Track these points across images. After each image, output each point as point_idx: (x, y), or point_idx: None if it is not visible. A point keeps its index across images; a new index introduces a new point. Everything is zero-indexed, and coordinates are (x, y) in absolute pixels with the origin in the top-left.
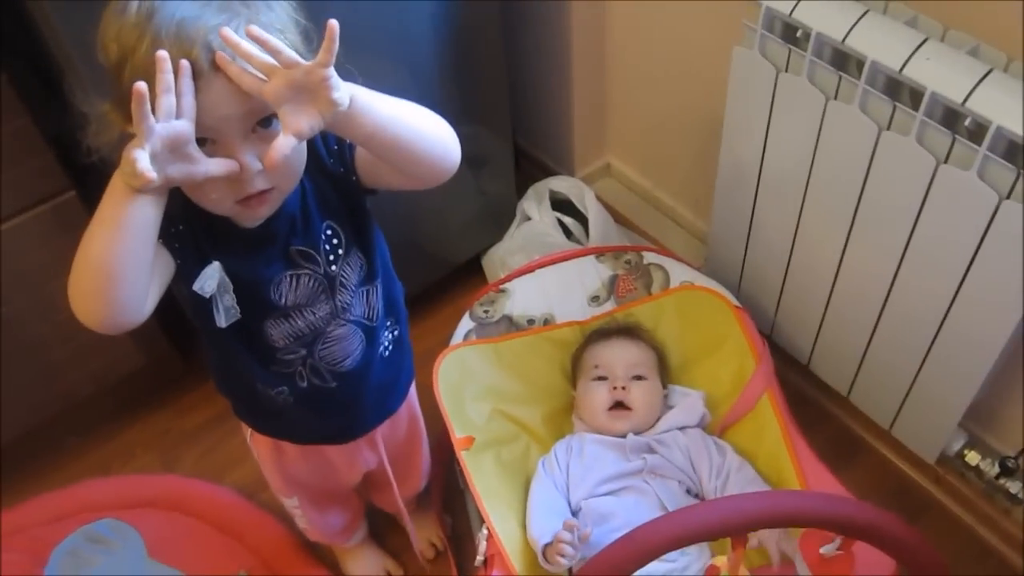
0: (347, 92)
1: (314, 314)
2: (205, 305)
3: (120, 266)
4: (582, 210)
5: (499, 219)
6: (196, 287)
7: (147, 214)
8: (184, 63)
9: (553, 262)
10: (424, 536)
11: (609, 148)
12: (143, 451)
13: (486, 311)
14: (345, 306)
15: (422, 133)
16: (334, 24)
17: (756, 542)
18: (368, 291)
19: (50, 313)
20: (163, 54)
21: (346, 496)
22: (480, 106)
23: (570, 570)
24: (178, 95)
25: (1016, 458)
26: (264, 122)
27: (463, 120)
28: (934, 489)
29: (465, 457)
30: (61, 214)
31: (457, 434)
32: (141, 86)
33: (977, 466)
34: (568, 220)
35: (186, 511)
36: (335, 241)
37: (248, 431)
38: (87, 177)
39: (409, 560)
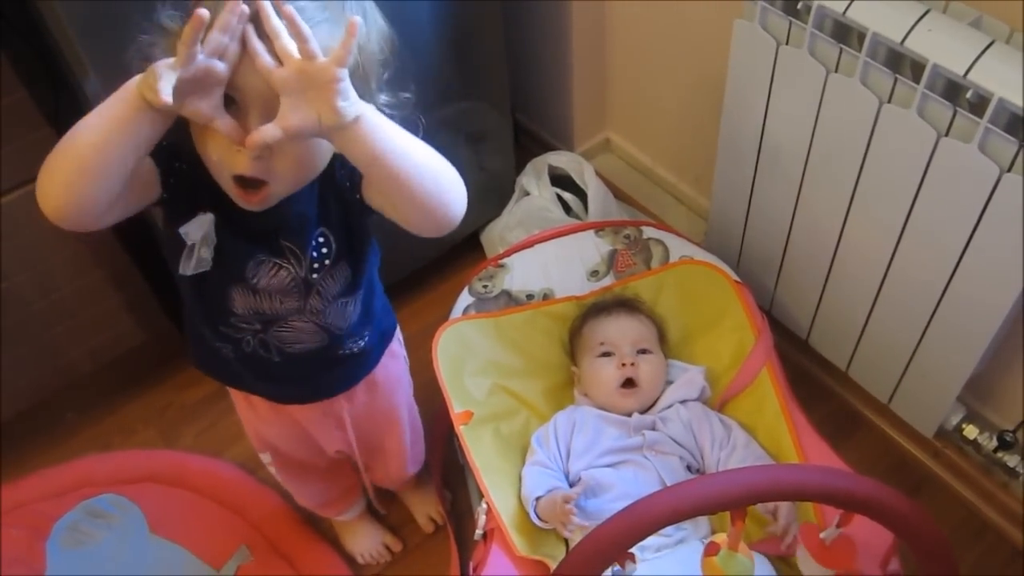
0: (356, 107)
1: (281, 303)
2: (179, 247)
3: (98, 162)
4: (581, 185)
5: (498, 195)
6: (181, 230)
7: (145, 128)
8: (243, 8)
9: (552, 237)
10: (424, 511)
11: (609, 123)
12: (143, 426)
13: (485, 286)
14: (315, 310)
15: (428, 176)
16: (356, 21)
17: (773, 507)
18: (346, 303)
19: (50, 289)
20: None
21: (327, 468)
22: (479, 81)
23: (567, 543)
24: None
25: (1014, 432)
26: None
27: (462, 95)
28: (932, 463)
29: (464, 432)
30: None
31: (456, 409)
32: (204, 13)
33: (975, 440)
34: (567, 195)
35: (186, 486)
36: (324, 250)
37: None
38: None
39: (408, 535)
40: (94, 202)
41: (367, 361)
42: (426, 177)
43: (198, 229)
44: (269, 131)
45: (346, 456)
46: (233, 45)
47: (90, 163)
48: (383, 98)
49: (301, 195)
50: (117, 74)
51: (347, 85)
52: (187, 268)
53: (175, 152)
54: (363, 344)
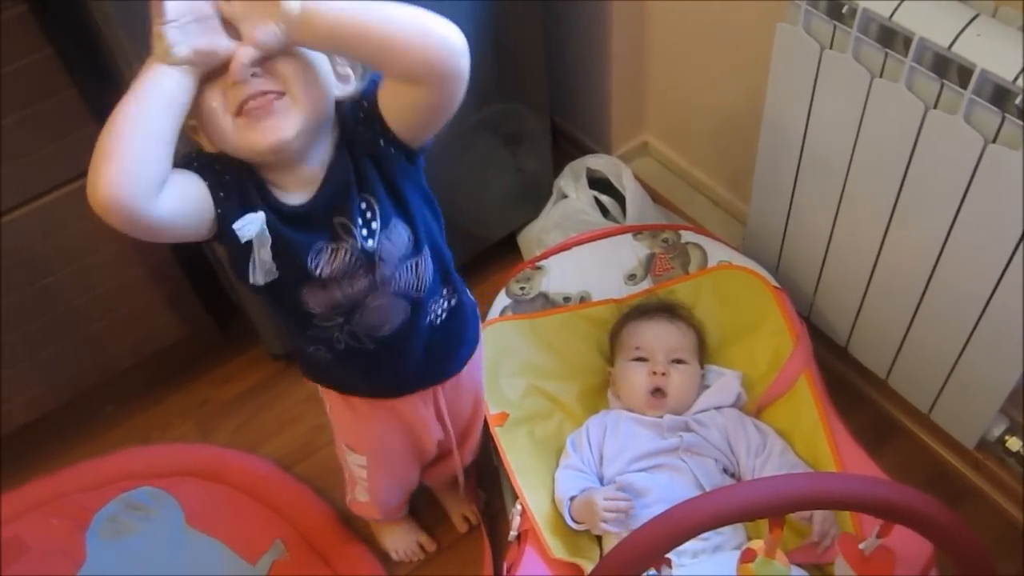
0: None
1: (352, 287)
2: (243, 258)
3: (133, 126)
4: (619, 188)
5: (535, 197)
6: (236, 227)
7: (170, 86)
8: None
9: (590, 240)
10: (459, 511)
11: (647, 126)
12: (181, 421)
13: (522, 288)
14: (386, 279)
15: (390, 17)
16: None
17: (809, 514)
18: (416, 263)
19: (92, 285)
20: None
21: (415, 470)
22: (518, 83)
23: (601, 547)
24: None
25: None
26: None
27: (501, 97)
28: (973, 475)
29: (499, 433)
30: None
31: (491, 410)
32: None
33: (1018, 452)
34: (605, 198)
35: (223, 481)
36: (368, 215)
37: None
38: None
39: (442, 534)
40: (134, 168)
41: (459, 332)
42: (391, 15)
43: (251, 224)
44: (245, 51)
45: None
46: None
47: (126, 130)
48: None
49: (339, 162)
50: None
51: None
52: (256, 277)
53: (215, 166)
54: (453, 303)
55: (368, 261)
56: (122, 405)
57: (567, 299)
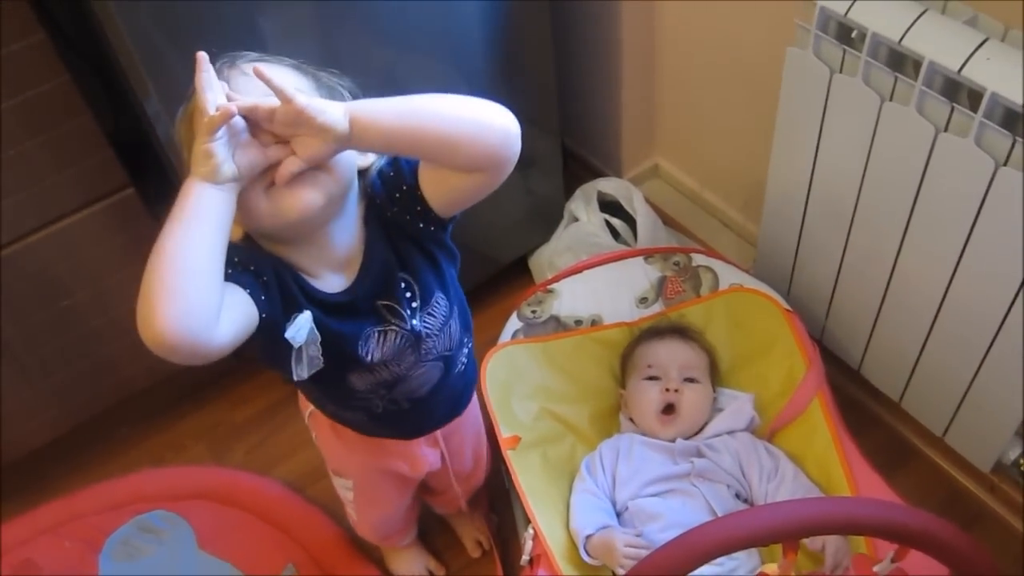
0: (341, 113)
1: (399, 366)
2: (284, 354)
3: (190, 257)
4: (630, 211)
5: (547, 220)
6: (288, 335)
7: (218, 206)
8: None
9: (601, 263)
10: (471, 535)
11: (658, 149)
12: (194, 443)
13: (533, 311)
14: (428, 351)
15: (447, 118)
16: (257, 68)
17: (820, 544)
18: (449, 325)
19: (108, 307)
20: (201, 54)
21: (402, 498)
22: (528, 106)
23: (613, 573)
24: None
25: None
26: None
27: None
28: (988, 498)
29: (511, 456)
30: (120, 211)
31: (504, 433)
32: (206, 102)
33: None
34: (616, 221)
35: (235, 503)
36: (408, 295)
37: (308, 411)
38: (145, 174)
39: (452, 559)
40: (203, 304)
41: (471, 374)
42: (445, 113)
43: (303, 329)
44: (293, 162)
45: (426, 481)
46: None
47: (179, 260)
48: None
49: (375, 245)
50: (177, 94)
51: (315, 108)
52: (302, 372)
53: (253, 267)
54: (469, 347)
55: (415, 340)
56: (136, 427)
57: (579, 322)
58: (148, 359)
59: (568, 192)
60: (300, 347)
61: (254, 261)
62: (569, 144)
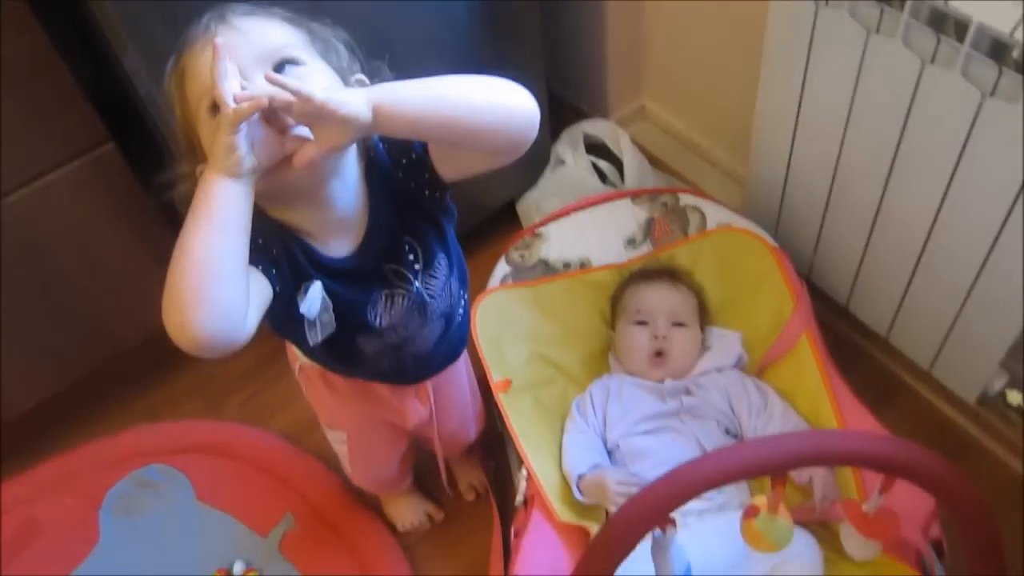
0: (363, 103)
1: (406, 329)
2: (296, 324)
3: (218, 258)
4: (617, 153)
5: (533, 164)
6: (303, 310)
7: (240, 201)
8: (215, 42)
9: (588, 206)
10: (466, 480)
11: (644, 90)
12: (189, 398)
13: (522, 255)
14: (432, 311)
15: (473, 106)
16: (270, 76)
17: (807, 478)
18: (450, 283)
19: (95, 266)
20: (218, 42)
21: (395, 449)
22: (512, 49)
23: (606, 511)
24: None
25: None
26: (279, 68)
27: (494, 65)
28: (974, 429)
29: (503, 400)
30: (100, 167)
31: (495, 377)
32: (224, 94)
33: (1018, 406)
34: (603, 164)
35: (232, 456)
36: (412, 257)
37: (297, 364)
38: (125, 130)
39: (449, 502)
40: (235, 303)
41: (467, 323)
42: (471, 102)
43: (315, 301)
44: (312, 149)
45: (416, 432)
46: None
47: (215, 266)
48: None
49: (380, 210)
50: (155, 50)
51: (336, 100)
52: (316, 338)
53: (263, 242)
54: (464, 303)
55: (420, 302)
56: (130, 384)
57: (567, 265)
58: (138, 316)
59: (554, 136)
60: (314, 318)
61: (263, 234)
62: (554, 87)
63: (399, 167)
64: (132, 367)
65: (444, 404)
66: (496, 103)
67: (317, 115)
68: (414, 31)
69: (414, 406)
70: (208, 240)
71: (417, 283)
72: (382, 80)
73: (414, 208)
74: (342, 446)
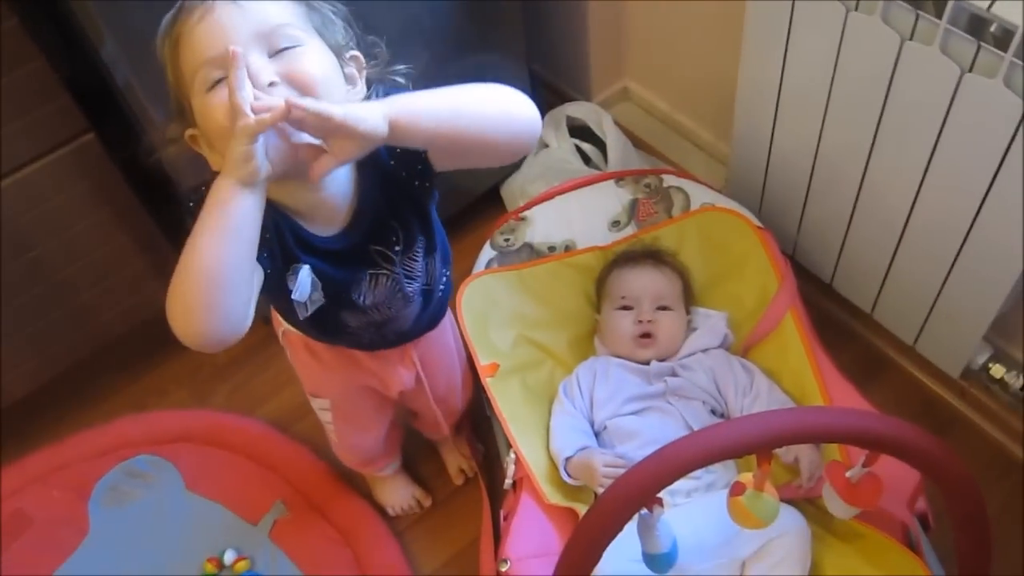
0: (380, 119)
1: (389, 309)
2: (285, 300)
3: (231, 270)
4: (600, 136)
5: None
6: (296, 297)
7: (254, 210)
8: (233, 51)
9: (573, 188)
10: (455, 464)
11: (627, 71)
12: (176, 387)
13: (507, 239)
14: (414, 290)
15: (485, 119)
16: (291, 101)
17: (793, 457)
18: (428, 261)
19: (79, 255)
20: (236, 50)
21: (380, 419)
22: (493, 32)
23: (595, 492)
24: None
25: None
26: (279, 51)
27: (477, 47)
28: (959, 403)
29: (491, 384)
30: (81, 157)
31: (482, 361)
32: (242, 103)
33: (1002, 379)
34: (586, 146)
35: (221, 444)
36: (394, 238)
37: (281, 330)
38: (105, 118)
39: (438, 488)
40: (240, 308)
41: (448, 295)
42: (483, 116)
43: (305, 285)
44: (328, 162)
45: (403, 401)
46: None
47: (224, 276)
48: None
49: (369, 193)
50: (133, 39)
51: (355, 116)
52: (305, 312)
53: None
54: (445, 280)
55: (402, 281)
56: (117, 374)
57: (552, 248)
58: (122, 306)
59: None
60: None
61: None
62: (537, 70)
63: (393, 155)
64: (118, 357)
65: (431, 368)
66: (504, 114)
67: (336, 131)
68: (395, 14)
69: (398, 372)
70: (222, 250)
71: (398, 265)
72: (377, 59)
73: (402, 194)
74: (327, 414)
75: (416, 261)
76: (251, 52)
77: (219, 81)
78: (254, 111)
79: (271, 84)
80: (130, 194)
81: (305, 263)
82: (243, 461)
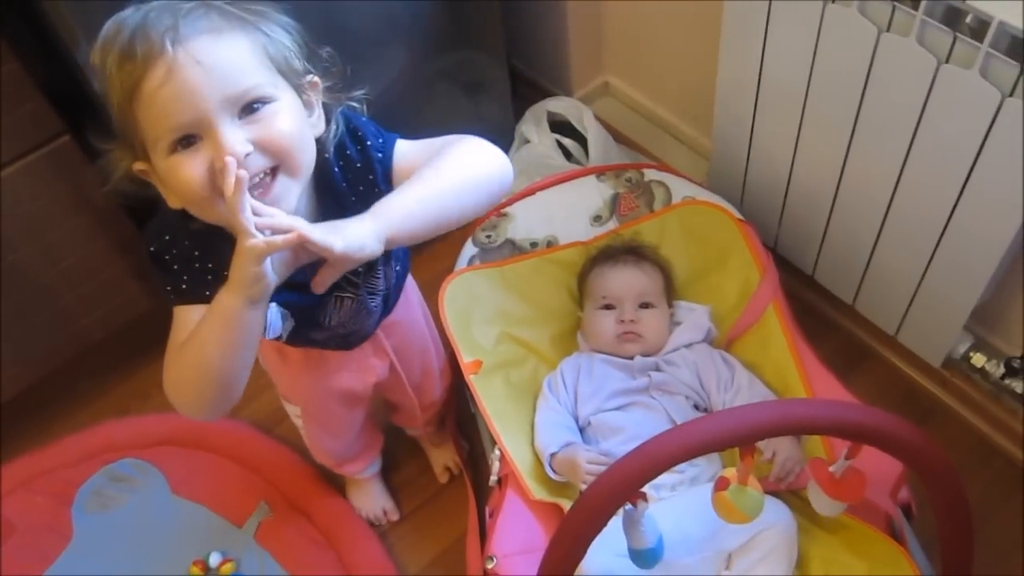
0: (375, 241)
1: (354, 324)
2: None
3: (236, 376)
4: (581, 131)
5: (498, 144)
6: (270, 337)
7: (261, 319)
8: (242, 174)
9: (554, 184)
10: (441, 461)
11: (607, 66)
12: (158, 391)
13: (488, 236)
14: (376, 304)
15: (468, 204)
16: (302, 235)
17: (771, 452)
18: (387, 269)
19: (56, 260)
20: (242, 174)
21: (352, 419)
22: (473, 29)
23: (580, 490)
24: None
25: (1021, 358)
26: (248, 108)
27: (456, 44)
28: (941, 392)
29: (474, 381)
30: (58, 159)
31: (465, 358)
32: (247, 224)
33: (983, 368)
34: (567, 141)
35: (204, 447)
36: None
37: None
38: (81, 121)
39: (424, 486)
40: (237, 396)
41: (405, 271)
42: (467, 198)
43: (276, 323)
44: (329, 275)
45: (378, 398)
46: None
47: (229, 380)
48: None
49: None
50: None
51: (354, 244)
52: (273, 334)
53: (211, 273)
54: (401, 267)
55: (364, 300)
56: (98, 379)
57: (534, 244)
58: (102, 310)
59: (518, 115)
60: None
61: (219, 257)
62: (517, 66)
63: (354, 192)
64: (98, 361)
65: (404, 352)
66: (485, 191)
67: (336, 260)
68: (375, 11)
69: (371, 363)
70: (230, 361)
71: (362, 286)
72: (332, 72)
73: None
74: (298, 420)
75: (378, 278)
76: (223, 120)
77: (183, 142)
78: (258, 227)
79: (247, 155)
80: (108, 197)
81: (272, 301)
82: (227, 463)
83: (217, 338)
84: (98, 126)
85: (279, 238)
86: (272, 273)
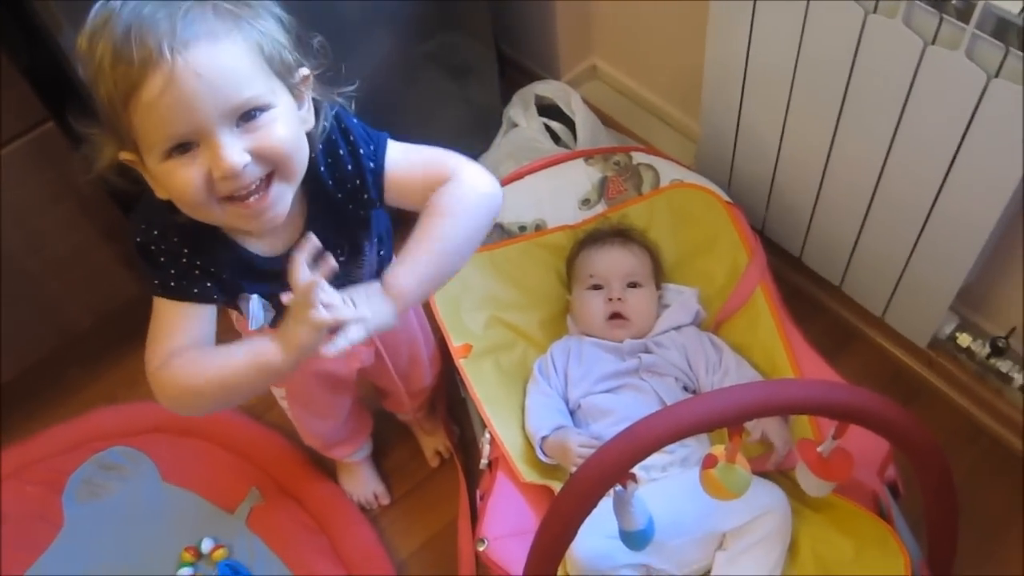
0: (393, 317)
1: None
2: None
3: (244, 398)
4: (569, 114)
5: (485, 128)
6: (253, 328)
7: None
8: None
9: (542, 167)
10: (431, 446)
11: (594, 49)
12: (146, 379)
13: None
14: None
15: (468, 247)
16: (332, 336)
17: (759, 433)
18: (371, 258)
19: (41, 248)
20: (320, 279)
21: (338, 402)
22: (460, 12)
23: (570, 473)
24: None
25: (1006, 338)
26: (246, 116)
27: (443, 27)
28: (927, 373)
29: (464, 365)
30: (41, 146)
31: (455, 343)
32: (320, 317)
33: (968, 348)
34: (555, 125)
35: (194, 434)
36: (339, 251)
37: (234, 314)
38: (65, 107)
39: (415, 470)
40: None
41: (388, 256)
42: (467, 246)
43: (258, 313)
44: (356, 333)
45: (365, 383)
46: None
47: (236, 400)
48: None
49: (316, 219)
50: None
51: (377, 323)
52: (256, 324)
53: (199, 262)
54: (384, 255)
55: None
56: (86, 367)
57: (523, 228)
58: (88, 298)
59: (505, 98)
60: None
61: (203, 250)
62: (504, 49)
63: (341, 190)
64: (86, 349)
65: (390, 340)
66: (482, 231)
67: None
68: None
69: (354, 348)
70: (249, 395)
71: (344, 277)
72: (323, 60)
73: (349, 218)
74: (284, 403)
75: (361, 268)
76: (222, 131)
77: (178, 148)
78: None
79: (245, 166)
80: (94, 183)
81: (254, 291)
82: (217, 450)
83: (252, 380)
84: (80, 109)
85: (342, 316)
86: (323, 338)
